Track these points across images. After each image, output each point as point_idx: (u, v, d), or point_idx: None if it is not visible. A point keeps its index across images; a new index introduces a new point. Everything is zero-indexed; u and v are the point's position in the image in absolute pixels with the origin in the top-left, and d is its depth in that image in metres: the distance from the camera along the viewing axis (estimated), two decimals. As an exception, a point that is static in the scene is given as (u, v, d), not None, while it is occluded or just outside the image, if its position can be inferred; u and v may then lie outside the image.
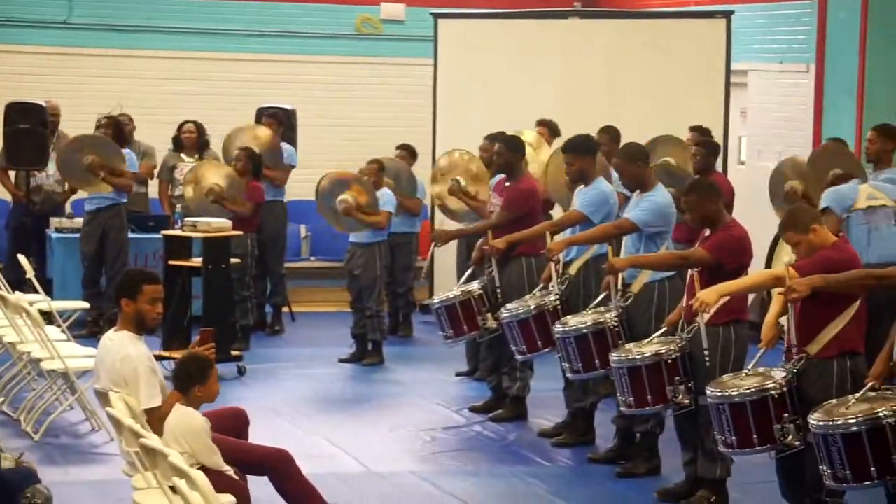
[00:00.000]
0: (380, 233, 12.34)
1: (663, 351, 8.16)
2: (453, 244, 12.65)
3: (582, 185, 9.62)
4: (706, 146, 11.27)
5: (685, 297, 8.10)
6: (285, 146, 14.01)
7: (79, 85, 16.14)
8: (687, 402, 8.14)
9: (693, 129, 12.54)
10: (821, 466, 6.85)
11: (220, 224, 11.94)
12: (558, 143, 12.24)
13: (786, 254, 7.67)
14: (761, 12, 15.07)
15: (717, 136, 12.98)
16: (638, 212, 8.81)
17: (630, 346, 8.46)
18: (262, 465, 7.25)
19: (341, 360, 12.45)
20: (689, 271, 8.15)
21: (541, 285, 9.68)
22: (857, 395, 6.87)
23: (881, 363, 6.83)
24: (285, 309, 14.08)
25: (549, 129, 12.94)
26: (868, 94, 13.22)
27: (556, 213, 11.81)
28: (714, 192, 8.22)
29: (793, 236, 7.32)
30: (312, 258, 16.57)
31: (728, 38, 13.98)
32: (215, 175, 12.78)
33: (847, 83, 13.47)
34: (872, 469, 6.66)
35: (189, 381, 6.97)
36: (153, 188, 14.60)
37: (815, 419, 6.85)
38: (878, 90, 13.21)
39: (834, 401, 6.99)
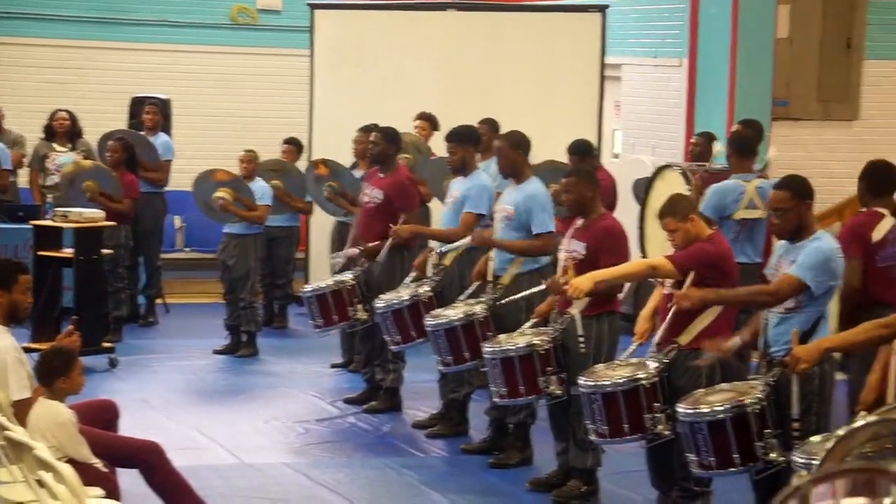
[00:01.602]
0: (254, 225, 12.28)
1: (536, 342, 8.21)
2: (326, 233, 12.63)
3: (460, 176, 9.66)
4: (578, 153, 11.29)
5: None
6: (162, 139, 13.86)
7: (-53, 73, 15.86)
8: (559, 392, 8.20)
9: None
10: (687, 454, 6.96)
11: (92, 214, 11.78)
12: (438, 136, 12.29)
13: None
14: (635, 7, 15.24)
15: (592, 129, 13.11)
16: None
17: (503, 337, 8.51)
18: (131, 457, 7.18)
19: (216, 352, 12.37)
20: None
21: (413, 273, 9.72)
22: (744, 383, 7.01)
23: (872, 391, 6.57)
24: (159, 300, 13.95)
25: (429, 122, 12.96)
26: (739, 89, 13.42)
27: (434, 206, 11.86)
28: (593, 181, 8.27)
29: (671, 222, 7.38)
30: (187, 249, 16.42)
31: (602, 32, 14.10)
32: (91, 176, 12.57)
33: (718, 78, 13.66)
34: (735, 456, 6.79)
35: (52, 374, 6.87)
36: (23, 177, 14.36)
37: (682, 408, 6.95)
38: (749, 85, 13.42)
39: (702, 390, 7.10)
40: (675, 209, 7.42)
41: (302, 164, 13.61)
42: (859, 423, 4.18)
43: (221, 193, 12.08)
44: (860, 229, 8.35)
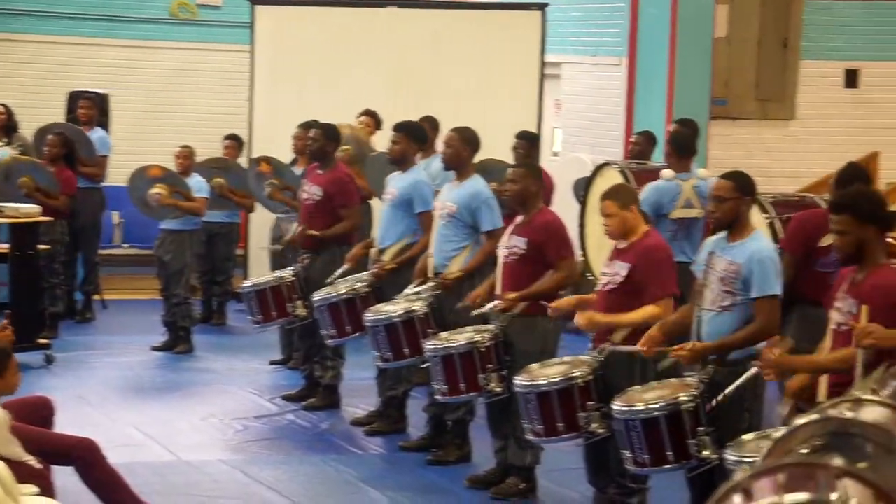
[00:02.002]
0: (191, 220, 12.24)
1: (477, 339, 8.21)
2: (267, 230, 12.61)
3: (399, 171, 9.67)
4: (527, 138, 11.41)
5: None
6: (98, 134, 13.76)
7: None
8: (499, 389, 8.20)
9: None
10: (623, 452, 6.99)
11: (28, 210, 11.68)
12: (381, 134, 12.28)
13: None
14: (575, 5, 15.30)
15: (531, 128, 13.13)
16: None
17: (444, 334, 8.51)
18: (66, 454, 7.12)
19: (154, 348, 12.31)
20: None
21: (345, 266, 9.73)
22: (656, 384, 7.05)
23: (800, 380, 6.51)
24: (97, 297, 13.86)
25: (373, 119, 12.94)
26: (677, 88, 13.50)
27: (375, 203, 11.85)
28: (539, 176, 8.29)
29: (611, 206, 7.40)
30: (125, 245, 16.34)
31: (543, 31, 14.14)
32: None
33: (657, 77, 13.74)
34: (670, 453, 6.83)
35: (-14, 373, 6.78)
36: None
37: (617, 406, 6.98)
38: (688, 84, 13.50)
39: (637, 388, 7.14)
40: (618, 195, 7.46)
41: (243, 161, 13.57)
42: (799, 422, 4.21)
43: (158, 189, 12.02)
44: (810, 229, 8.38)
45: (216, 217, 12.99)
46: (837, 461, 3.11)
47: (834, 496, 2.98)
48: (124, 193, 12.86)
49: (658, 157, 11.70)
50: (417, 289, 9.03)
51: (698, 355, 6.85)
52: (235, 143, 13.85)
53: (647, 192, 9.74)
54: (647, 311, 7.24)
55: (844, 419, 4.29)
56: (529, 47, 14.11)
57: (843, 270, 6.51)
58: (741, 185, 6.97)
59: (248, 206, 13.38)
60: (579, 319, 7.35)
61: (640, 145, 11.74)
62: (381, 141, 11.84)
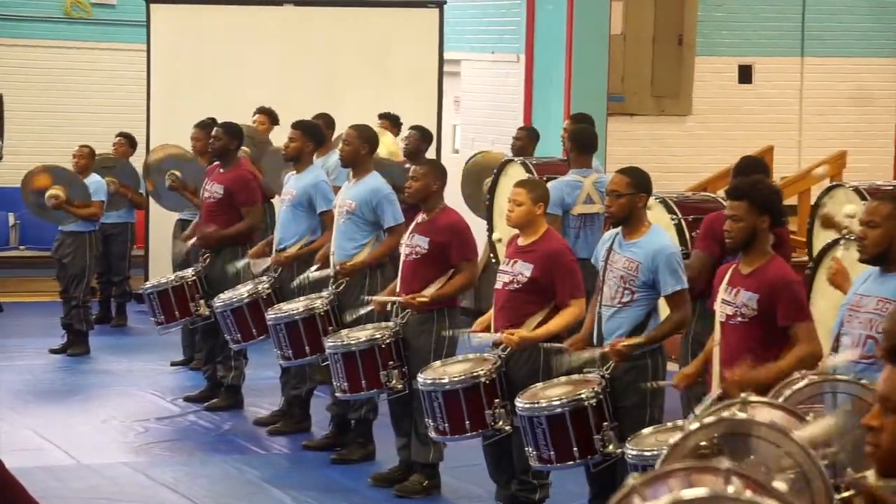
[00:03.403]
0: (90, 222, 12.12)
1: (378, 336, 8.22)
2: (169, 230, 12.51)
3: (295, 172, 9.65)
4: (420, 131, 11.45)
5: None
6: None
7: None
8: (400, 386, 8.22)
9: (382, 116, 12.69)
10: (527, 448, 7.03)
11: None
12: (278, 130, 12.24)
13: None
14: (473, 3, 15.34)
15: (431, 125, 13.16)
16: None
17: (344, 331, 8.51)
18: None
19: (52, 351, 12.17)
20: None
21: (246, 259, 9.69)
22: (563, 379, 7.11)
23: (692, 366, 6.70)
24: (-8, 299, 13.68)
25: (269, 116, 12.89)
26: (575, 84, 13.59)
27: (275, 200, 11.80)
28: (442, 175, 8.28)
29: (522, 194, 7.41)
30: (21, 247, 16.11)
31: (441, 28, 14.17)
32: None
33: (555, 73, 13.83)
34: (575, 449, 6.89)
35: None
36: None
37: (521, 402, 7.02)
38: (585, 80, 13.60)
39: (539, 384, 7.18)
40: (534, 188, 7.51)
41: (136, 160, 13.43)
42: (692, 426, 4.29)
43: (54, 191, 11.88)
44: (718, 229, 8.47)
45: (110, 217, 12.89)
46: (726, 463, 3.18)
47: (731, 489, 3.06)
48: (19, 195, 12.70)
49: (541, 151, 11.78)
50: (318, 273, 8.99)
51: (622, 355, 6.86)
52: (126, 140, 13.72)
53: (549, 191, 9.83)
54: (569, 313, 7.28)
55: (738, 420, 4.38)
56: (428, 45, 14.14)
57: (721, 267, 6.61)
58: (636, 181, 7.05)
59: (140, 203, 13.27)
60: (509, 337, 7.34)
61: (522, 140, 11.79)
62: (280, 138, 11.80)
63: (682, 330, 7.33)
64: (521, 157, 10.98)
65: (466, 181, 12.33)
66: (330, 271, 8.89)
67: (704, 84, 15.17)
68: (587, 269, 7.73)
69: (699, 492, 3.08)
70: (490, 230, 10.83)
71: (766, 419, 4.49)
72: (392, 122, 12.83)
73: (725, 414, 4.55)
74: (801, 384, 5.56)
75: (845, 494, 4.13)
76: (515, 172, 10.66)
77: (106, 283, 13.46)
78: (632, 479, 3.19)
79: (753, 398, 4.98)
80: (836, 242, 7.60)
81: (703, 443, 4.19)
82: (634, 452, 6.41)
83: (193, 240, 10.34)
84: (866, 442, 3.00)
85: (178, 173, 11.78)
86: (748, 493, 3.06)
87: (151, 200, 12.84)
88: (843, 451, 4.80)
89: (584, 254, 9.22)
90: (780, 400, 5.35)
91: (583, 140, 10.01)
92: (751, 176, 7.23)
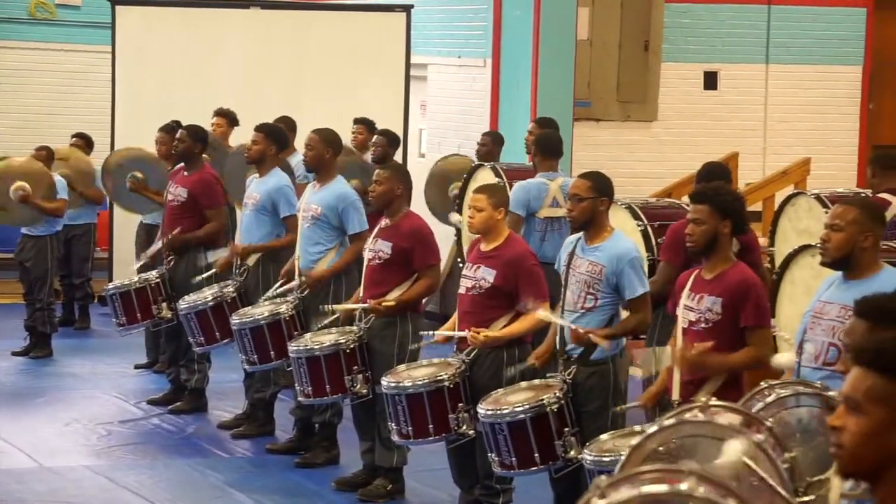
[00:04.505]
0: (52, 225, 12.09)
1: (342, 341, 8.22)
2: (132, 232, 12.46)
3: (258, 175, 9.63)
4: (387, 136, 11.45)
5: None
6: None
7: None
8: (364, 391, 8.23)
9: (358, 121, 12.65)
10: (489, 454, 7.03)
11: None
12: (238, 132, 12.22)
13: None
14: (440, 7, 15.35)
15: (398, 129, 13.16)
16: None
17: (308, 335, 8.50)
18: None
19: (14, 353, 12.12)
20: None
21: (210, 257, 9.68)
22: (526, 384, 7.12)
23: (660, 384, 6.65)
24: (-46, 302, 13.62)
25: (227, 118, 12.84)
26: (541, 89, 13.62)
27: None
28: (406, 179, 8.28)
29: (483, 200, 7.40)
30: (-17, 250, 16.02)
31: (408, 32, 14.17)
32: None
33: (521, 78, 13.85)
34: (536, 455, 6.89)
35: None
36: None
37: (482, 409, 7.02)
38: (551, 85, 13.62)
39: (501, 390, 7.19)
40: (494, 194, 7.50)
41: (95, 161, 13.38)
42: (651, 429, 4.31)
43: (21, 183, 11.81)
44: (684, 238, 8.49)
45: (72, 219, 12.84)
46: (690, 464, 3.23)
47: (684, 486, 3.11)
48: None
49: (506, 156, 11.80)
50: (282, 289, 8.99)
51: (578, 339, 6.89)
52: (83, 140, 13.68)
53: (515, 191, 9.83)
54: (533, 317, 7.28)
55: (699, 422, 4.40)
56: (395, 49, 14.13)
57: (682, 273, 6.63)
58: (598, 185, 7.06)
59: (99, 200, 13.24)
60: (475, 336, 7.32)
61: (487, 146, 11.82)
62: (239, 140, 11.79)
63: (642, 332, 7.35)
64: (491, 163, 11.00)
65: (430, 188, 12.34)
66: (294, 284, 8.88)
67: (670, 90, 15.21)
68: (552, 273, 7.75)
69: (660, 488, 3.13)
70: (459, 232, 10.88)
71: (725, 422, 4.51)
72: (368, 126, 12.81)
73: (686, 416, 4.57)
74: (770, 398, 5.54)
75: (805, 499, 4.16)
76: (485, 177, 10.68)
77: (68, 286, 13.42)
78: (598, 482, 3.21)
79: (714, 402, 5.00)
80: (803, 248, 7.63)
81: (660, 448, 4.22)
82: (592, 458, 6.43)
83: (159, 244, 10.29)
84: (830, 443, 3.02)
85: (139, 175, 11.75)
86: (707, 491, 3.10)
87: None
88: (804, 456, 4.83)
89: (550, 257, 9.26)
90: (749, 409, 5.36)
91: (548, 145, 10.02)
92: (713, 181, 7.26)
